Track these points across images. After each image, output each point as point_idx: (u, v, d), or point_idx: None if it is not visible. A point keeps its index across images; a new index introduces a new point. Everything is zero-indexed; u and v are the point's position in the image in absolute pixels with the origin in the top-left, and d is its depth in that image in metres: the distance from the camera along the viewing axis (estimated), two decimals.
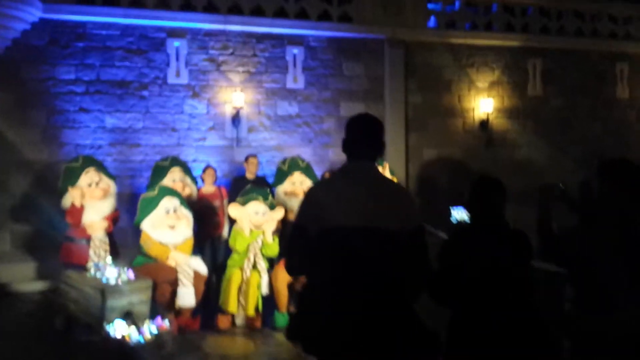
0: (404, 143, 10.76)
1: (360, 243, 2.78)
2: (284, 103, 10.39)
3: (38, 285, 8.72)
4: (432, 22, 11.31)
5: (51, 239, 8.90)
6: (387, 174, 7.80)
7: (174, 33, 9.86)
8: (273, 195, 7.87)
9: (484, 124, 11.20)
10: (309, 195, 3.08)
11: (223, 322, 6.84)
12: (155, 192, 6.82)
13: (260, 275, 6.97)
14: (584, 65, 11.98)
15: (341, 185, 2.96)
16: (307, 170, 8.06)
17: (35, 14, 9.00)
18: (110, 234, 7.07)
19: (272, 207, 7.24)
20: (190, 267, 6.63)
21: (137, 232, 8.79)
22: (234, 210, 7.15)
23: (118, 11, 9.55)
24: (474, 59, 11.34)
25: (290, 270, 3.18)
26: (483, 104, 11.18)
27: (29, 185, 9.22)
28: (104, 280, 6.14)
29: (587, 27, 12.10)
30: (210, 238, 7.97)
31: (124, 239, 7.97)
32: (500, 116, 11.41)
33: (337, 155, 10.48)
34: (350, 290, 2.77)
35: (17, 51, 9.12)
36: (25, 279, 8.76)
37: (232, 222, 7.42)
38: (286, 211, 7.71)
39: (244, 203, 7.15)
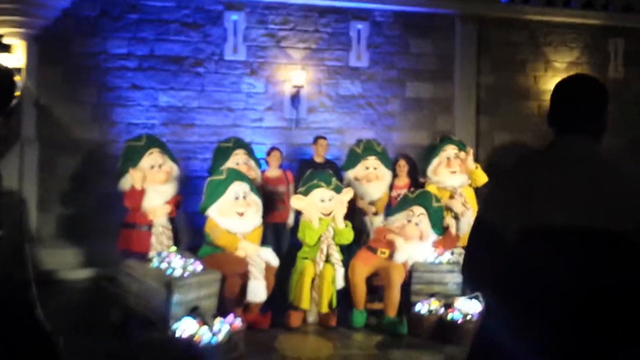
0: (475, 127, 9.95)
1: (582, 251, 1.99)
2: (346, 82, 9.65)
3: (86, 273, 8.24)
4: None
5: (100, 223, 8.41)
6: (470, 161, 7.04)
7: (232, 6, 9.17)
8: (340, 179, 7.21)
9: None
10: (503, 180, 2.24)
11: (295, 319, 6.18)
12: (224, 175, 6.17)
13: (334, 268, 6.30)
14: None
15: (551, 168, 2.13)
16: (383, 156, 7.34)
17: None
18: (172, 220, 6.45)
19: (338, 190, 6.55)
20: (262, 258, 5.98)
21: (192, 218, 8.30)
22: (297, 202, 6.49)
23: None
24: (551, 38, 10.44)
25: (470, 280, 2.43)
26: None
27: (77, 165, 8.68)
28: (169, 272, 5.51)
29: None
30: (273, 225, 7.33)
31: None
32: None
33: (402, 140, 9.75)
34: (564, 317, 2.00)
35: (67, 23, 8.55)
36: (72, 266, 8.29)
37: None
38: (356, 198, 7.05)
39: (306, 192, 6.47)
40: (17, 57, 8.17)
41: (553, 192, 2.06)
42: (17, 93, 2.81)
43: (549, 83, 10.40)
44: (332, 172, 6.96)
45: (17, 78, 2.78)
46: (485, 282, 2.24)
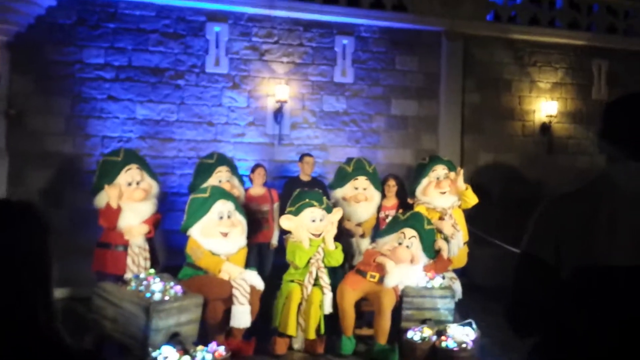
0: (459, 146, 9.81)
1: None
2: (330, 98, 9.43)
3: (56, 293, 7.78)
4: (491, 16, 10.36)
5: (72, 241, 7.97)
6: (460, 182, 6.83)
7: (215, 17, 8.90)
8: (327, 198, 6.95)
9: (545, 128, 10.25)
10: (555, 212, 1.96)
11: (280, 346, 5.85)
12: (207, 193, 5.84)
13: (322, 292, 6.01)
14: None
15: (614, 200, 1.88)
16: (374, 177, 7.07)
17: None
18: (150, 241, 6.09)
19: (328, 210, 6.29)
20: (247, 282, 5.66)
21: (168, 236, 7.95)
22: (287, 222, 6.18)
23: None
24: (537, 58, 10.39)
25: (515, 324, 2.02)
26: (545, 106, 10.24)
27: (49, 180, 8.28)
28: (147, 296, 5.16)
29: None
30: (257, 246, 7.02)
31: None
32: (562, 120, 10.46)
33: (386, 158, 9.55)
34: (624, 356, 1.78)
35: (41, 30, 8.19)
36: None
37: (283, 229, 6.47)
38: (342, 218, 6.79)
39: (297, 212, 6.17)
40: None
41: (620, 228, 1.81)
42: None
43: (533, 103, 10.35)
44: (321, 191, 6.70)
45: None
46: (536, 323, 1.98)
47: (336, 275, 6.40)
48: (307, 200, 6.22)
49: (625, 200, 1.85)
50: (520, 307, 1.98)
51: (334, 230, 6.21)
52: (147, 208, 6.12)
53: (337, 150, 9.33)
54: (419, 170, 7.12)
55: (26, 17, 7.95)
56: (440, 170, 6.95)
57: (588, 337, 1.83)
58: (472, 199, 6.86)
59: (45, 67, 8.26)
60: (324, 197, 6.44)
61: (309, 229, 6.11)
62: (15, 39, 7.94)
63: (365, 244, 6.83)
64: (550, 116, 10.21)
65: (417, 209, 6.80)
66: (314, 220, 6.14)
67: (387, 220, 6.75)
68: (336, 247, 6.18)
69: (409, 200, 7.13)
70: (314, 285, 6.02)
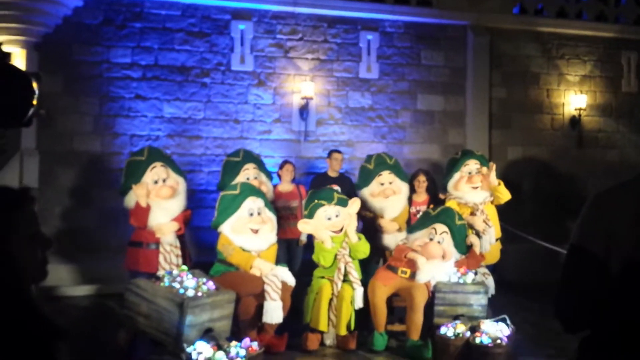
0: (487, 141, 9.70)
1: None
2: (356, 94, 9.39)
3: (87, 290, 7.91)
4: (517, 9, 10.25)
5: (101, 238, 8.09)
6: (493, 177, 6.74)
7: (239, 15, 8.91)
8: (354, 192, 6.92)
9: (575, 121, 10.11)
10: (604, 205, 1.93)
11: (312, 342, 5.84)
12: (237, 190, 5.84)
13: (352, 288, 5.97)
14: None
15: None
16: (397, 169, 7.00)
17: None
18: (181, 237, 6.11)
19: (343, 203, 6.22)
20: (278, 278, 5.64)
21: (198, 233, 7.97)
22: (304, 226, 6.19)
23: None
24: (564, 50, 10.25)
25: (564, 317, 1.97)
26: (574, 99, 10.10)
27: (78, 178, 8.35)
28: (181, 292, 5.17)
29: None
30: (285, 242, 7.01)
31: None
32: (591, 113, 10.31)
33: (413, 153, 9.50)
34: None
35: (68, 30, 8.25)
36: (73, 282, 7.98)
37: None
38: (375, 217, 6.76)
39: (311, 214, 6.16)
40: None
41: None
42: (35, 102, 2.48)
43: (562, 96, 10.22)
44: (335, 187, 6.63)
45: (35, 85, 2.45)
46: (586, 317, 1.93)
47: (368, 270, 6.37)
48: (316, 201, 6.19)
49: None
50: (569, 300, 1.94)
51: (354, 223, 6.19)
52: (176, 205, 6.15)
53: (364, 146, 9.28)
54: (451, 165, 7.06)
55: (53, 18, 8.02)
56: (472, 164, 6.88)
57: (638, 331, 1.78)
58: (504, 195, 6.77)
59: (73, 67, 8.33)
60: (335, 192, 6.35)
61: (327, 227, 6.08)
62: (43, 40, 8.01)
63: (399, 239, 6.76)
64: (580, 109, 10.07)
65: (448, 204, 6.73)
66: (329, 218, 6.11)
67: (418, 216, 6.69)
68: (359, 239, 6.14)
69: (441, 196, 7.06)
70: (344, 280, 6.00)
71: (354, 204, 6.26)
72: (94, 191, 8.25)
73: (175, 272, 5.46)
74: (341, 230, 6.13)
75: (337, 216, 6.12)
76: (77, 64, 8.36)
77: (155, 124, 8.59)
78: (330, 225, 6.09)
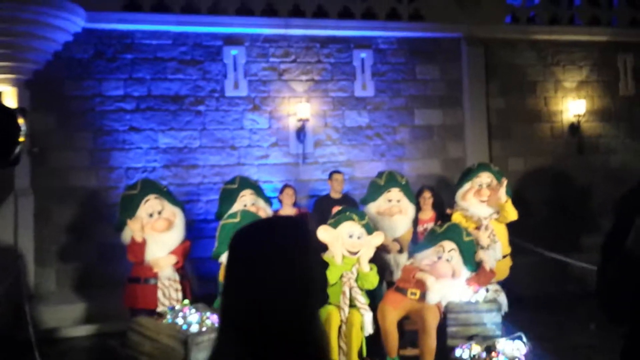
0: (488, 153, 9.57)
1: None
2: (352, 113, 9.28)
3: (88, 329, 7.71)
4: (509, 18, 10.18)
5: (101, 275, 7.93)
6: (502, 193, 6.60)
7: (231, 40, 8.83)
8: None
9: (574, 128, 9.99)
10: (634, 199, 2.10)
11: None
12: (238, 218, 5.70)
13: (360, 313, 5.79)
14: None
15: None
16: (406, 189, 6.87)
17: (78, 23, 8.02)
18: (181, 270, 5.96)
19: (368, 229, 6.06)
20: None
21: (197, 264, 7.80)
22: (324, 233, 5.95)
23: (169, 18, 8.55)
24: (560, 57, 10.16)
25: (604, 309, 2.05)
26: (572, 106, 9.99)
27: (75, 215, 8.19)
28: (184, 328, 5.02)
29: None
30: None
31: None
32: (590, 119, 10.19)
33: (413, 169, 9.35)
34: None
35: (59, 66, 8.16)
36: (74, 322, 7.76)
37: None
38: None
39: (336, 224, 5.98)
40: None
41: None
42: (21, 139, 2.36)
43: (560, 104, 10.12)
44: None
45: (20, 121, 2.34)
46: (624, 310, 1.99)
47: (375, 294, 6.20)
48: (347, 213, 6.04)
49: None
50: (607, 294, 2.00)
51: (370, 253, 5.98)
52: (173, 237, 6.01)
53: (363, 165, 9.16)
54: (465, 174, 7.00)
55: (44, 54, 7.92)
56: (484, 177, 6.77)
57: None
58: (511, 214, 6.63)
59: (66, 103, 8.22)
60: (367, 217, 6.20)
61: (344, 244, 5.89)
62: (34, 77, 7.91)
63: (403, 259, 6.62)
64: (579, 116, 9.96)
65: (454, 217, 6.60)
66: (351, 236, 5.93)
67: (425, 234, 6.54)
68: (371, 269, 5.94)
69: (448, 211, 6.92)
70: (351, 306, 5.82)
71: (378, 237, 6.05)
72: (91, 227, 8.10)
73: (177, 307, 5.32)
74: (356, 253, 5.94)
75: (359, 238, 5.94)
76: (69, 99, 8.26)
77: (150, 155, 8.47)
78: (350, 244, 5.90)
